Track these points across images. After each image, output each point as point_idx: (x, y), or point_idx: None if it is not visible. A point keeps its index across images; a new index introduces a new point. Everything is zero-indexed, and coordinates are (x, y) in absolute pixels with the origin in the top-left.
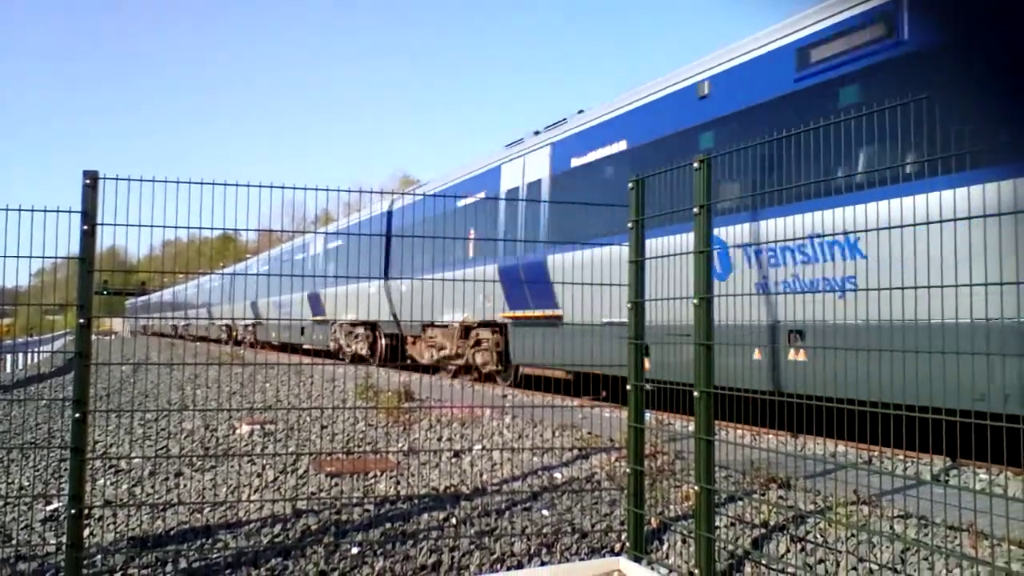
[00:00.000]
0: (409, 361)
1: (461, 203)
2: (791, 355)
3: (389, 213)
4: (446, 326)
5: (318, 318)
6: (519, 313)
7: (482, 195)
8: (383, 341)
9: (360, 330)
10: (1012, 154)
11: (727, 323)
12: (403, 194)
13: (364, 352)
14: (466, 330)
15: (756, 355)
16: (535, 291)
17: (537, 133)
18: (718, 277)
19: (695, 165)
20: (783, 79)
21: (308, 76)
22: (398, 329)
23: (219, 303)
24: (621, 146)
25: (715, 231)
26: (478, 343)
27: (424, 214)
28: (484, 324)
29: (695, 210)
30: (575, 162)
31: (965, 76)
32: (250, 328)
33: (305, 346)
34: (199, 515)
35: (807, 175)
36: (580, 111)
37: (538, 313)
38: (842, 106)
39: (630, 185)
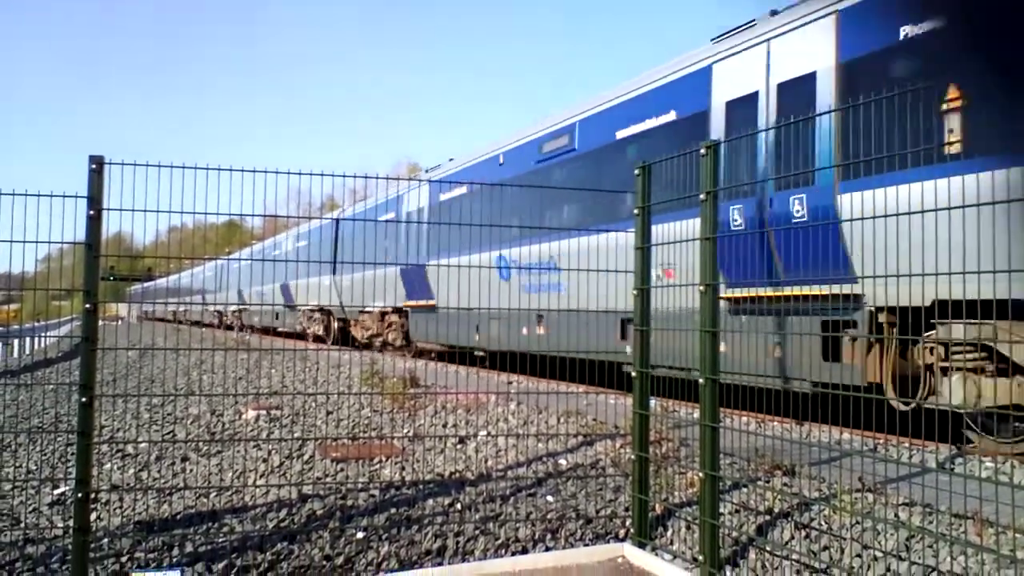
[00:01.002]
0: (352, 339)
1: (381, 218)
2: (539, 329)
3: (337, 221)
4: (371, 312)
5: (288, 305)
6: (412, 302)
7: (391, 215)
8: (335, 324)
9: (318, 315)
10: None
11: (513, 309)
12: (408, 179)
13: (321, 333)
14: (383, 315)
15: (523, 331)
16: (420, 287)
17: (428, 170)
18: (503, 277)
19: (702, 152)
20: (532, 160)
21: (313, 63)
22: (343, 314)
23: (212, 291)
24: (463, 190)
25: (505, 252)
26: (390, 325)
27: (364, 225)
28: (395, 310)
29: (702, 196)
30: (443, 197)
31: (598, 172)
32: (236, 313)
33: (280, 329)
34: (205, 499)
35: (544, 220)
36: (451, 159)
37: (422, 303)
38: (555, 181)
39: (636, 172)
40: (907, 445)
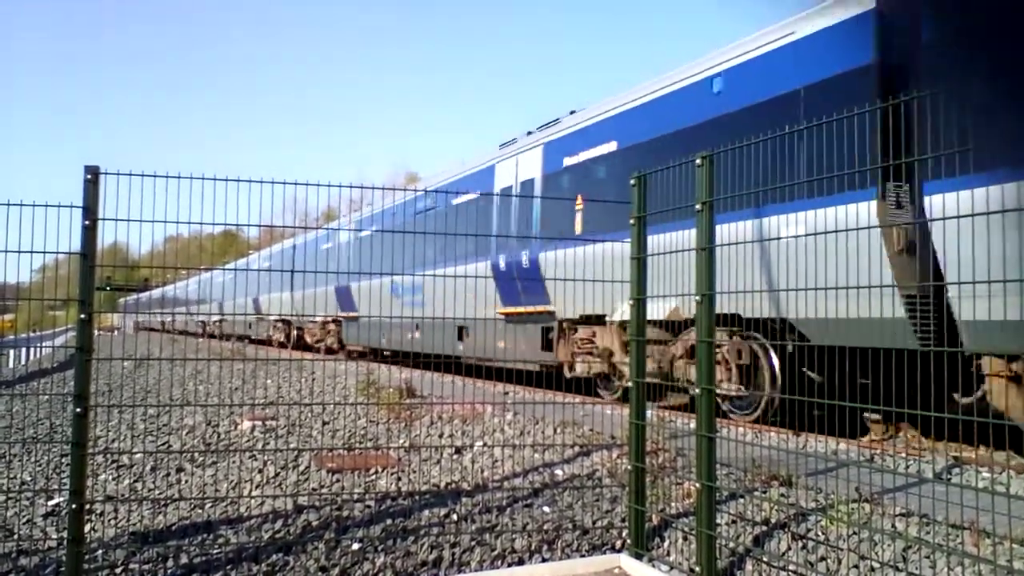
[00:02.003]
0: (304, 343)
1: (323, 247)
2: (416, 334)
3: (294, 246)
4: (316, 321)
5: (258, 315)
6: (342, 314)
7: (329, 244)
8: (294, 332)
9: (281, 324)
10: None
11: (398, 318)
12: (404, 190)
13: (283, 340)
14: (324, 324)
15: (408, 335)
16: (347, 301)
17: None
18: (394, 292)
19: (697, 162)
20: (410, 212)
21: (310, 71)
22: (299, 323)
23: (196, 302)
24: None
25: (397, 279)
26: (329, 331)
27: (316, 247)
28: (334, 320)
29: (697, 207)
30: (362, 235)
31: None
32: (217, 323)
33: (253, 336)
34: (200, 511)
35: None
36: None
37: (349, 314)
38: (421, 228)
39: (632, 182)
40: (904, 455)
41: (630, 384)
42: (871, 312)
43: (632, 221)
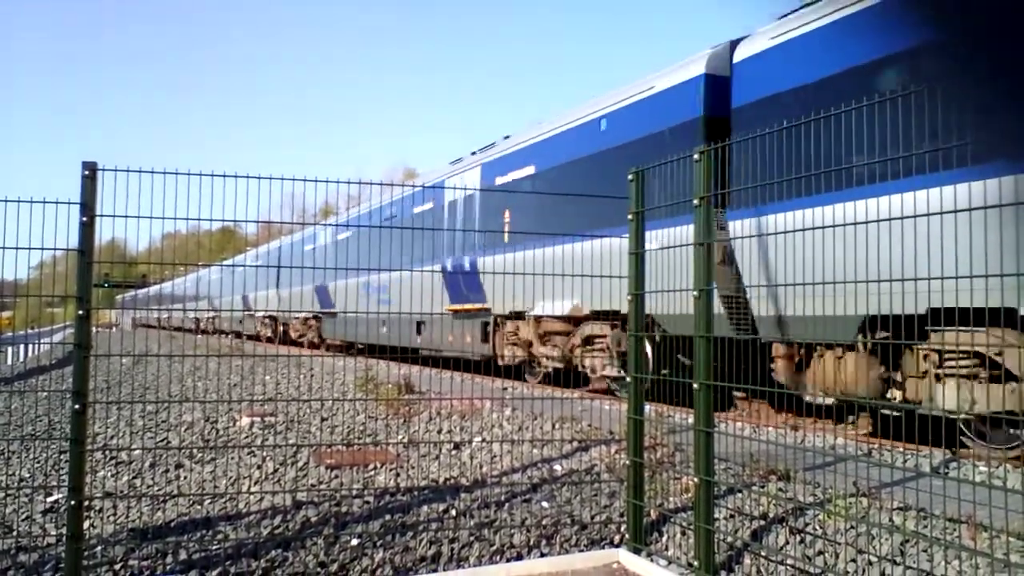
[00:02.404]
0: (289, 337)
1: (307, 248)
2: (383, 329)
3: (280, 247)
4: (299, 317)
5: (248, 311)
6: (322, 310)
7: (310, 246)
8: (280, 327)
9: (268, 320)
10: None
11: (372, 313)
12: (402, 185)
13: (269, 334)
14: (307, 319)
15: (377, 330)
16: (325, 299)
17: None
18: (367, 291)
19: (695, 157)
20: (377, 220)
21: (309, 71)
22: (285, 319)
23: (190, 299)
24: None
25: (373, 278)
26: (311, 327)
27: (302, 248)
28: (315, 316)
29: (695, 202)
30: (340, 237)
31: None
32: (210, 319)
33: (242, 332)
34: (199, 507)
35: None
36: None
37: (328, 310)
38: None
39: (630, 177)
40: (901, 450)
41: (629, 379)
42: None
43: (630, 216)
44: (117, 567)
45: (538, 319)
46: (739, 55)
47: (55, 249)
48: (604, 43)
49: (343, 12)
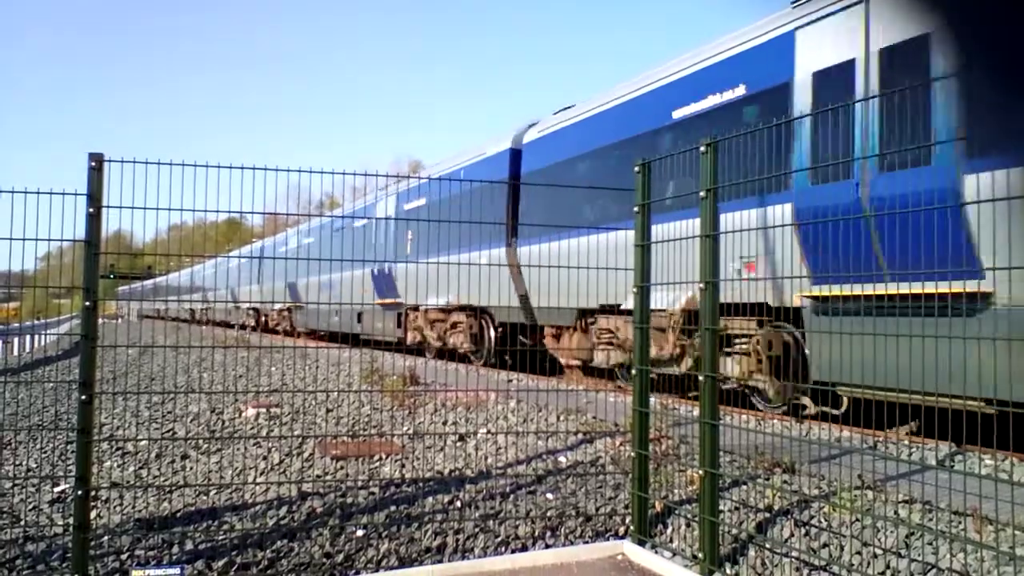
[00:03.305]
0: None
1: (280, 249)
2: (335, 318)
3: (262, 247)
4: (275, 309)
5: (235, 303)
6: (294, 303)
7: (283, 248)
8: (263, 318)
9: (251, 311)
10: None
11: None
12: (407, 177)
13: (252, 324)
14: (281, 311)
15: (330, 319)
16: (295, 292)
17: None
18: (325, 288)
19: (702, 149)
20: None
21: (313, 61)
22: (266, 311)
23: (186, 291)
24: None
25: (336, 276)
26: (285, 317)
27: (286, 248)
28: (289, 308)
29: (701, 194)
30: (305, 242)
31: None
32: (204, 310)
33: (232, 322)
34: (205, 497)
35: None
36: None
37: (296, 303)
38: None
39: (636, 169)
40: (907, 442)
41: (633, 371)
42: (511, 303)
43: (636, 209)
44: (124, 557)
45: (426, 310)
46: (525, 138)
47: (62, 240)
48: (605, 37)
49: (345, 6)
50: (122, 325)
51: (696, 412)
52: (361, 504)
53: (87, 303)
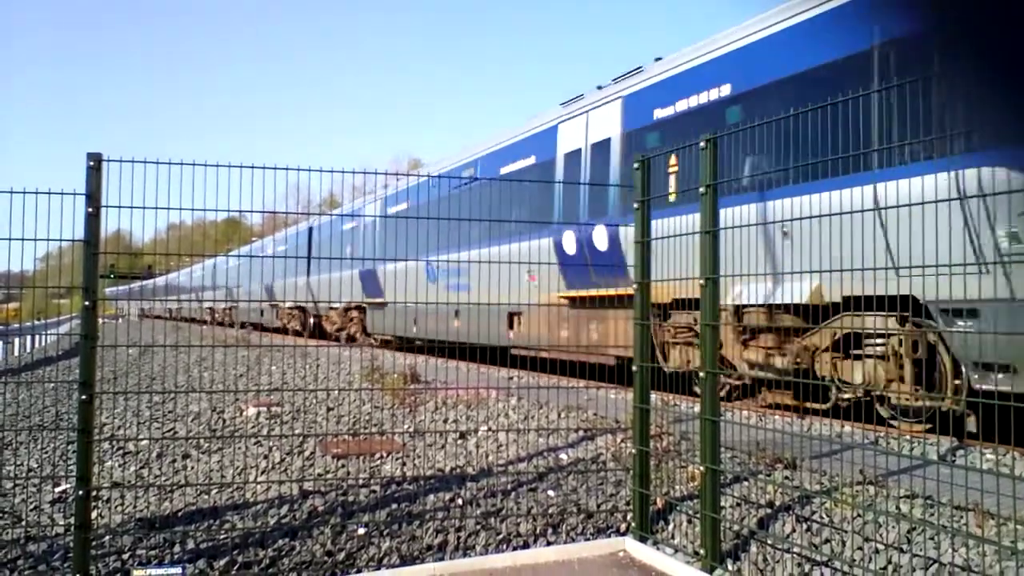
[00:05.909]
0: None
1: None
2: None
3: (250, 257)
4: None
5: (227, 301)
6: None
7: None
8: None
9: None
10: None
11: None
12: (408, 175)
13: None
14: (346, 310)
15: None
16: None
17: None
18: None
19: (701, 145)
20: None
21: (312, 59)
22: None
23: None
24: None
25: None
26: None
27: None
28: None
29: (701, 190)
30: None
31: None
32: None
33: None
34: (206, 496)
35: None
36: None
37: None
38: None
39: (635, 165)
40: (908, 438)
41: (635, 368)
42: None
43: (636, 205)
44: (125, 556)
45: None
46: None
47: (61, 240)
48: (606, 35)
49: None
50: (122, 325)
51: (697, 408)
52: (362, 502)
53: (87, 303)
